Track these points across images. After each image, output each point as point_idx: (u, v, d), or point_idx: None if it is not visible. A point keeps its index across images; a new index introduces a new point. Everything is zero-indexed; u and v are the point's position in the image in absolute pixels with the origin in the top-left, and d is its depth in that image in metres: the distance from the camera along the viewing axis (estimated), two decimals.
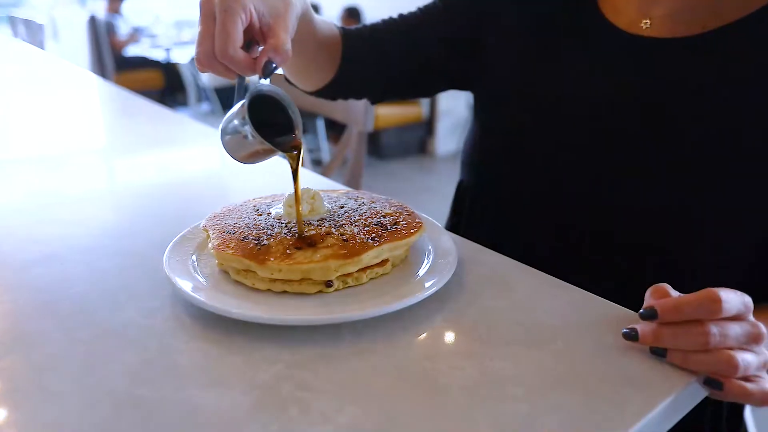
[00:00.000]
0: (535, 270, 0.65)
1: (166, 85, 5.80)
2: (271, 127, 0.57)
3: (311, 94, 0.91)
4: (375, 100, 0.95)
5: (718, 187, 0.66)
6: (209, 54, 0.53)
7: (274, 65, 0.54)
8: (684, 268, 0.68)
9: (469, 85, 0.89)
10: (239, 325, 0.53)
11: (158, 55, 5.52)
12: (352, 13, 4.48)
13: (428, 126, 4.73)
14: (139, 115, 1.48)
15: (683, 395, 0.46)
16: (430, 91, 0.95)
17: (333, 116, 1.41)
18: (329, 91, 0.89)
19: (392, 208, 0.67)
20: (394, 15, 0.90)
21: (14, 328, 0.53)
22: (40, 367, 0.47)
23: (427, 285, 0.57)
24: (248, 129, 0.54)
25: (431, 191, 3.93)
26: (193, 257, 0.63)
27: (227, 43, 0.52)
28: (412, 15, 0.89)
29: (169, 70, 5.74)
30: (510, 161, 0.81)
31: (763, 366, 0.48)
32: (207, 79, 4.30)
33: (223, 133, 0.58)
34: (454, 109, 4.66)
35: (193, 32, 6.17)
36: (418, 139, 4.72)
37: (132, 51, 5.73)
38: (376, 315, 0.52)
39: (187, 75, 4.43)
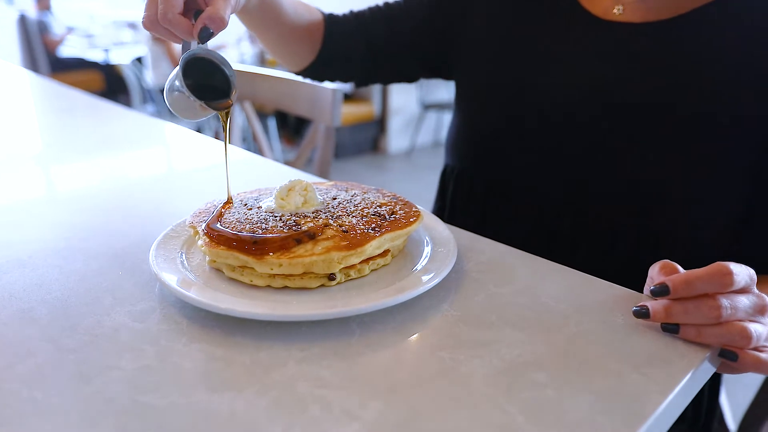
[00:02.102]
0: (532, 255, 0.64)
1: (106, 87, 5.57)
2: (212, 88, 0.61)
3: (297, 74, 0.94)
4: (360, 83, 0.98)
5: (690, 163, 0.68)
6: (153, 18, 0.57)
7: (211, 31, 0.58)
8: (663, 244, 0.70)
9: (450, 73, 0.91)
10: (240, 324, 0.50)
11: (96, 55, 5.28)
12: None
13: (380, 124, 4.72)
14: (91, 113, 1.40)
15: (700, 370, 0.46)
16: (413, 76, 0.97)
17: (297, 112, 1.37)
18: (313, 72, 0.93)
19: (386, 198, 0.65)
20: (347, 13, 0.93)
21: None
22: (27, 379, 0.43)
23: (431, 274, 0.55)
24: (184, 88, 0.58)
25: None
26: (182, 256, 0.59)
27: (167, 8, 0.56)
28: (396, 3, 0.91)
29: (109, 71, 5.51)
30: (492, 145, 0.82)
31: None
32: (152, 80, 4.14)
33: (167, 92, 0.61)
34: (406, 107, 4.67)
35: (133, 34, 5.95)
36: (370, 138, 4.71)
37: (68, 51, 5.46)
38: (387, 306, 0.50)
39: (130, 76, 4.25)
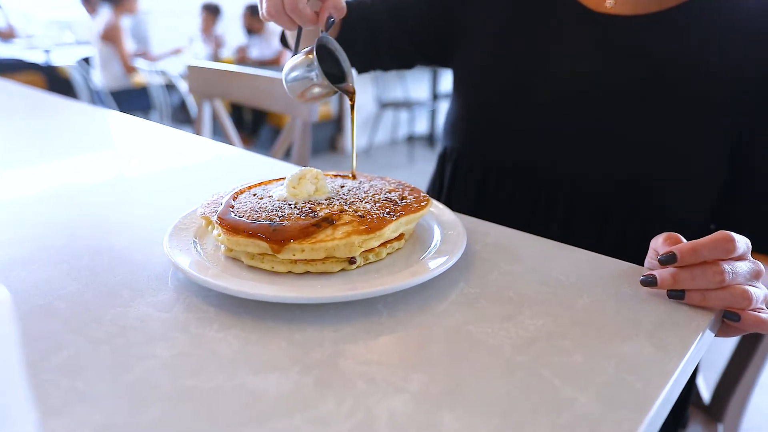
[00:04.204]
0: (535, 236, 0.67)
1: (49, 89, 5.34)
2: (328, 73, 0.65)
3: None
4: (361, 70, 0.99)
5: (677, 147, 0.72)
6: (279, 8, 0.61)
7: (332, 19, 0.62)
8: (651, 224, 0.75)
9: (447, 60, 0.93)
10: (268, 309, 0.51)
11: (36, 57, 5.05)
12: (254, 11, 4.37)
13: (337, 123, 4.72)
14: (54, 111, 1.35)
15: (707, 333, 0.50)
16: (411, 64, 0.99)
17: (273, 108, 1.37)
18: None
19: (393, 185, 0.67)
20: None
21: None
22: (64, 370, 0.42)
23: (448, 255, 0.57)
24: (319, 73, 0.63)
25: None
26: (197, 246, 0.59)
27: None
28: None
29: (52, 73, 5.28)
30: (490, 128, 0.85)
31: (764, 299, 0.53)
32: (102, 81, 4.00)
33: (288, 77, 0.66)
34: (363, 106, 4.69)
35: (73, 34, 5.73)
36: (328, 137, 4.70)
37: (5, 52, 5.20)
38: (417, 284, 0.52)
39: (77, 78, 4.09)
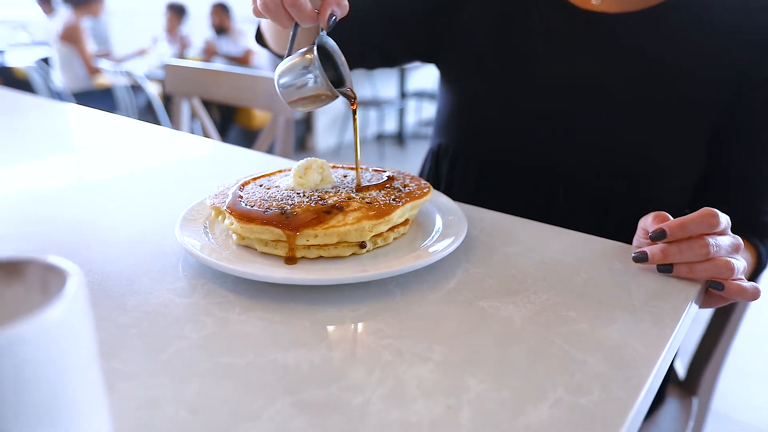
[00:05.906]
0: (528, 220, 0.71)
1: None
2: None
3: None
4: None
5: (665, 140, 0.77)
6: (277, 2, 0.56)
7: (334, 17, 0.58)
8: (639, 212, 0.79)
9: (435, 57, 0.94)
10: (287, 293, 0.53)
11: None
12: (222, 9, 4.32)
13: (306, 123, 4.72)
14: (30, 111, 1.33)
15: (693, 303, 0.54)
16: (397, 60, 0.97)
17: (256, 105, 1.38)
18: None
19: (393, 173, 0.69)
20: None
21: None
22: (99, 352, 0.43)
23: (452, 237, 0.60)
24: (316, 75, 0.58)
25: None
26: (209, 236, 0.60)
27: None
28: None
29: (7, 74, 5.11)
30: (485, 126, 0.87)
31: (744, 270, 0.57)
32: (63, 82, 3.90)
33: (282, 80, 0.61)
34: (333, 105, 4.69)
35: (29, 35, 5.56)
36: (297, 136, 4.69)
37: None
38: (426, 264, 0.55)
39: (36, 79, 3.97)
